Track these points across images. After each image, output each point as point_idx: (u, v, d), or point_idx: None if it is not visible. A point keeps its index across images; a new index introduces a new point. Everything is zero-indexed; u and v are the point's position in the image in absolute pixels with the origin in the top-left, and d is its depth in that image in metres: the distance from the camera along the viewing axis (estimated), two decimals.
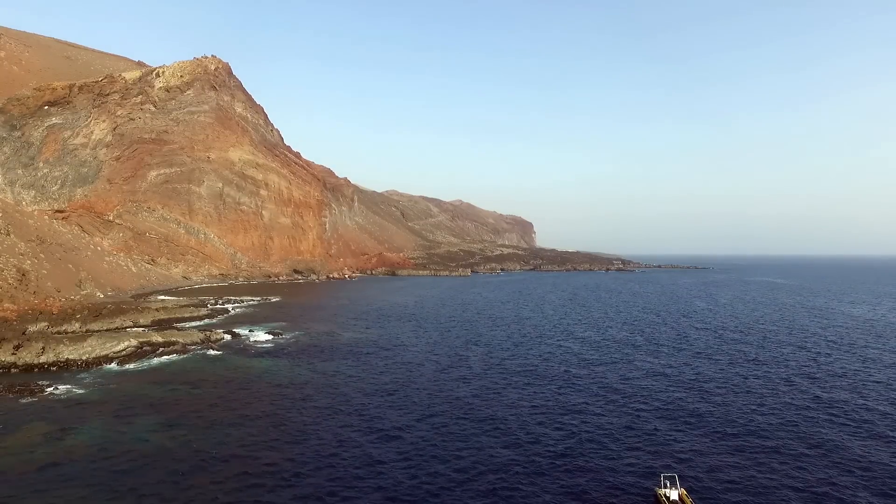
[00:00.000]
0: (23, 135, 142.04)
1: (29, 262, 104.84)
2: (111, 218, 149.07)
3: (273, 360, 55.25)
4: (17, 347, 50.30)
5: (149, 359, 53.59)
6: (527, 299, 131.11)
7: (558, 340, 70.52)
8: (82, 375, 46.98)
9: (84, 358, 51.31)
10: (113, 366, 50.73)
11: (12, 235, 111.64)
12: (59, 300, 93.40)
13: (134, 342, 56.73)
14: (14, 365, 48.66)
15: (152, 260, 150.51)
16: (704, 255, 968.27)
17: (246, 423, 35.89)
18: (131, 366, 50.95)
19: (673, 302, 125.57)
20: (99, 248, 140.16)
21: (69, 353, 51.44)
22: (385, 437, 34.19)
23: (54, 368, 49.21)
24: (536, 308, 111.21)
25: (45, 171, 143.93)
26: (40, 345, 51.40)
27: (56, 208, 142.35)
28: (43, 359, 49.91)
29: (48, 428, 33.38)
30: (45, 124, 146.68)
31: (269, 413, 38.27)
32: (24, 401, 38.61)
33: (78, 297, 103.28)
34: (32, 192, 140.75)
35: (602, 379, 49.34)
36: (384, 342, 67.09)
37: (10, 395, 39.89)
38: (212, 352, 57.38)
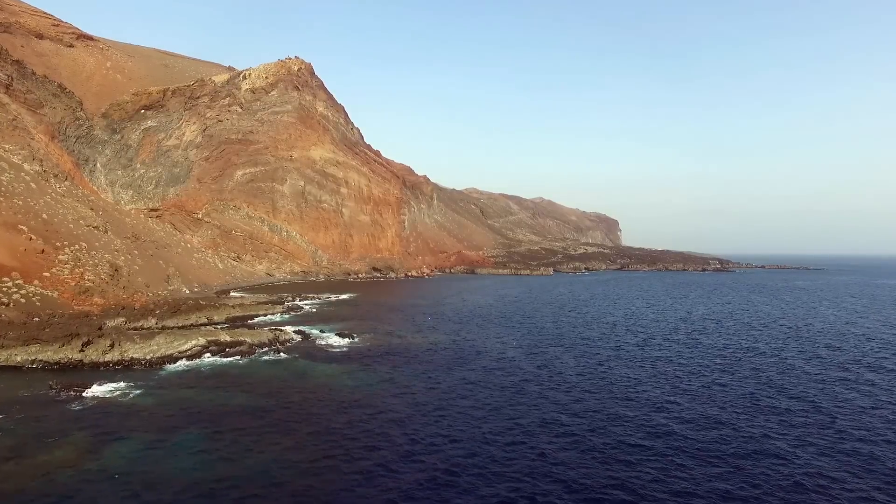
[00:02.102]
0: (122, 137, 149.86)
1: (123, 258, 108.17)
2: (200, 216, 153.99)
3: (342, 365, 50.23)
4: (85, 344, 48.54)
5: (212, 360, 50.39)
6: (631, 300, 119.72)
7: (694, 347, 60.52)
8: (143, 376, 44.13)
9: (148, 357, 48.80)
10: (175, 366, 47.84)
11: (109, 233, 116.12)
12: (147, 295, 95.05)
13: (202, 341, 53.88)
14: (81, 363, 46.82)
15: (238, 257, 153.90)
16: (812, 255, 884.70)
17: (302, 442, 30.47)
18: (193, 366, 47.81)
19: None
20: (189, 245, 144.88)
21: (134, 351, 49.12)
22: (453, 457, 27.34)
23: (119, 367, 46.93)
24: (645, 308, 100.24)
25: (141, 171, 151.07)
26: (108, 342, 49.47)
27: (151, 207, 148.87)
28: (108, 357, 47.82)
29: (86, 441, 29.60)
30: (142, 127, 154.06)
31: (330, 430, 32.69)
32: (75, 406, 35.57)
33: (165, 292, 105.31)
34: (130, 192, 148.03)
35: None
36: (465, 346, 60.48)
37: (66, 397, 37.23)
38: (279, 354, 53.44)
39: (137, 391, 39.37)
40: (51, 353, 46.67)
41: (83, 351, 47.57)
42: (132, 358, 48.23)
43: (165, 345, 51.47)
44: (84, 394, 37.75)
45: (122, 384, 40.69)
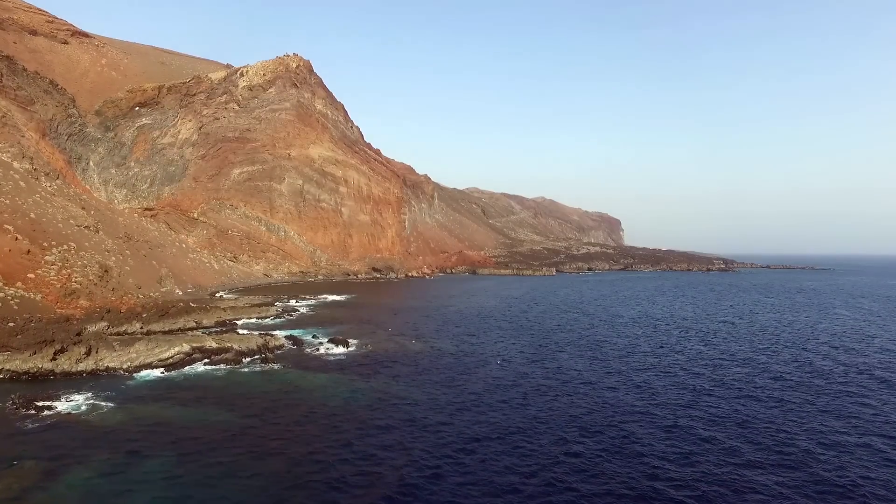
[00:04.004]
0: (116, 135, 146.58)
1: (114, 258, 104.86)
2: (196, 216, 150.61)
3: (335, 375, 46.65)
4: (58, 352, 45.06)
5: (194, 369, 46.79)
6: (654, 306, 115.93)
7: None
8: (116, 387, 40.58)
9: (125, 366, 45.36)
10: (154, 375, 44.35)
11: (101, 233, 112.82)
12: (137, 297, 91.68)
13: (185, 348, 50.46)
14: (52, 372, 43.31)
15: (234, 257, 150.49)
16: (816, 255, 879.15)
17: (286, 468, 26.96)
18: (173, 377, 44.26)
19: None
20: (184, 246, 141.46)
21: (111, 359, 45.65)
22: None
23: (94, 376, 43.43)
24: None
25: (135, 170, 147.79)
26: (84, 349, 45.99)
27: (145, 206, 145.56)
28: (82, 366, 44.33)
29: (36, 469, 26.07)
30: (136, 125, 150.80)
31: (318, 452, 29.17)
32: (31, 425, 32.02)
33: (157, 293, 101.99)
34: (124, 191, 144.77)
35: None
36: (468, 352, 56.88)
37: (24, 413, 33.66)
38: (267, 364, 49.63)
39: (107, 405, 35.83)
40: (19, 363, 43.17)
41: (55, 360, 44.08)
42: (108, 367, 44.78)
43: (146, 352, 48.03)
44: (46, 410, 34.22)
45: (90, 397, 37.18)
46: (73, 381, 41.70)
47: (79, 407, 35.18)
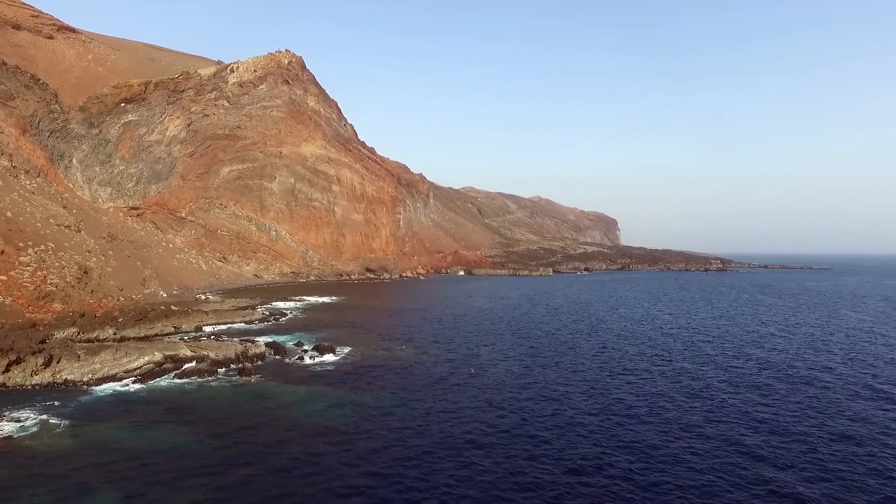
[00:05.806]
0: (100, 132, 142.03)
1: (95, 259, 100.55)
2: (184, 215, 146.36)
3: (318, 388, 42.76)
4: (13, 363, 41.05)
5: (159, 383, 42.62)
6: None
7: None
8: (71, 403, 36.57)
9: (87, 378, 41.38)
10: (117, 389, 40.39)
11: (82, 232, 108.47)
12: (118, 300, 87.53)
13: (157, 356, 46.53)
14: (3, 386, 39.30)
15: (224, 257, 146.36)
16: (813, 255, 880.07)
17: (253, 499, 23.22)
18: (138, 391, 40.24)
19: None
20: (171, 246, 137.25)
21: (70, 371, 41.65)
22: None
23: (51, 390, 39.43)
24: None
25: (121, 168, 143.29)
26: (41, 360, 41.96)
27: (131, 205, 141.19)
28: (37, 379, 40.36)
29: None
30: (122, 121, 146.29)
31: (291, 482, 25.37)
32: None
33: (140, 296, 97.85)
34: (109, 190, 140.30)
35: None
36: (464, 362, 53.11)
37: None
38: (244, 374, 45.52)
39: (56, 427, 31.84)
40: None
41: (8, 372, 40.09)
42: (66, 380, 40.78)
43: (111, 362, 44.05)
44: None
45: (39, 417, 33.18)
46: (24, 397, 37.67)
47: (24, 428, 31.21)
